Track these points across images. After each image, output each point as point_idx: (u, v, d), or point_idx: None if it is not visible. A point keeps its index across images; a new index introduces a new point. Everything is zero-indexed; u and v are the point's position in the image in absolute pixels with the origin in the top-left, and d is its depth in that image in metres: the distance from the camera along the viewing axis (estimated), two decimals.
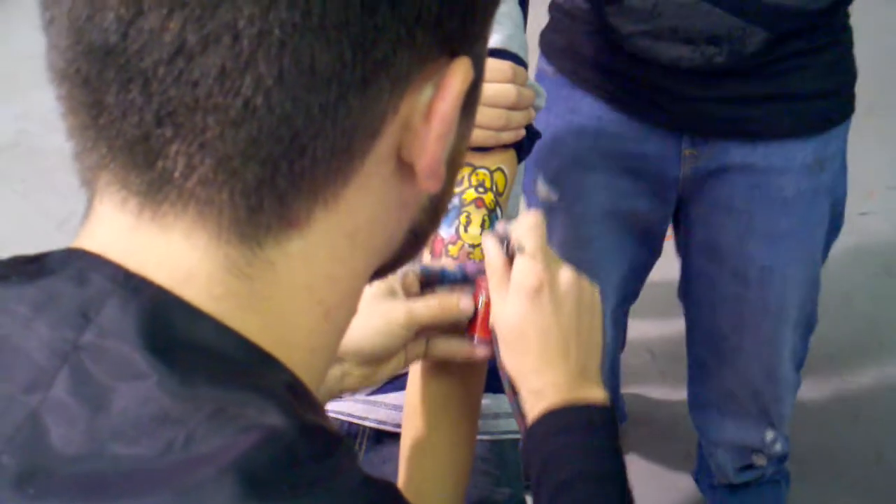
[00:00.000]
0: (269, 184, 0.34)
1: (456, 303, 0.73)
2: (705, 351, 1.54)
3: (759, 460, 1.63)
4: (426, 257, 0.84)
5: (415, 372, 0.79)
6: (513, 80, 0.83)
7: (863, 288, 2.32)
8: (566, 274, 0.70)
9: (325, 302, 0.39)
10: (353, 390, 0.74)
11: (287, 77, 0.32)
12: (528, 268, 0.68)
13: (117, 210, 0.36)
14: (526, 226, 0.71)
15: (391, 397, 0.99)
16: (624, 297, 1.62)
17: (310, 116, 0.34)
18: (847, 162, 1.35)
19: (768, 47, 1.17)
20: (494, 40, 0.86)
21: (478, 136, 0.83)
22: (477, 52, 0.39)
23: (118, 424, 0.32)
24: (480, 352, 0.73)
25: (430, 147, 0.38)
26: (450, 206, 0.84)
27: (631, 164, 1.33)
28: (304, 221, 0.36)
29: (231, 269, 0.35)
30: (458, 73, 0.37)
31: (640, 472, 1.88)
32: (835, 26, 1.24)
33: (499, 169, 0.85)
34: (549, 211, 1.46)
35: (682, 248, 1.48)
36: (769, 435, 1.57)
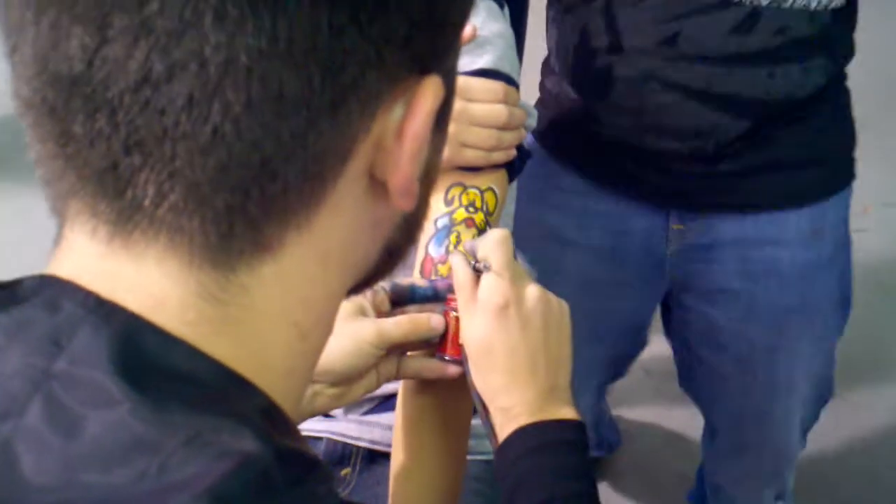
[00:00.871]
0: (240, 210, 0.34)
1: (426, 321, 0.72)
2: (717, 439, 1.49)
3: None
4: (416, 275, 0.84)
5: (403, 390, 0.79)
6: (504, 101, 0.83)
7: (858, 305, 2.30)
8: (533, 290, 0.70)
9: (300, 324, 0.38)
10: (326, 411, 0.74)
11: (255, 104, 0.32)
12: (494, 285, 0.68)
13: (88, 238, 0.35)
14: (492, 242, 0.71)
15: (385, 418, 0.99)
16: (601, 385, 1.58)
17: (280, 142, 0.33)
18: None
19: (754, 130, 1.12)
20: (486, 60, 0.86)
21: (469, 156, 0.83)
22: (447, 66, 0.39)
23: (90, 453, 0.32)
24: (451, 370, 0.73)
25: (402, 165, 0.37)
26: (440, 226, 0.84)
27: (616, 242, 1.27)
28: (276, 245, 0.36)
29: (203, 294, 0.35)
30: (429, 92, 0.37)
31: (635, 492, 1.87)
32: (824, 97, 1.15)
33: (490, 188, 0.85)
34: None
35: (677, 338, 1.41)
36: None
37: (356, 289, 0.45)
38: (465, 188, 0.84)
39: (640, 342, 1.49)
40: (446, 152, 0.82)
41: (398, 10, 0.34)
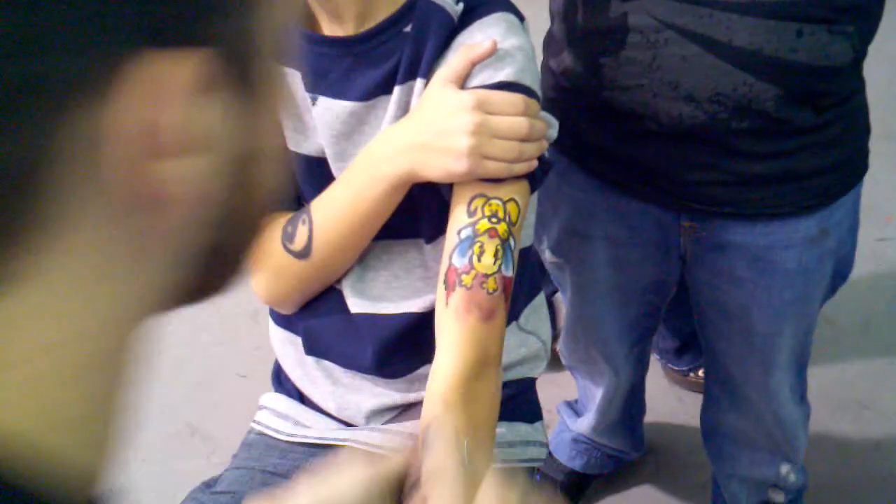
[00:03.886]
0: None
1: None
2: (718, 388, 1.53)
3: (776, 496, 1.59)
4: (440, 285, 0.85)
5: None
6: (525, 113, 0.84)
7: (881, 314, 2.31)
8: None
9: (59, 367, 0.32)
10: None
11: None
12: None
13: None
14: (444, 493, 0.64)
15: (407, 426, 1.00)
16: (640, 339, 1.60)
17: None
18: (863, 192, 1.30)
19: (776, 108, 1.08)
20: (506, 73, 0.87)
21: (491, 168, 0.84)
22: (211, 33, 0.32)
23: None
24: None
25: (166, 166, 0.31)
26: (464, 237, 0.85)
27: (630, 234, 1.31)
28: (11, 285, 0.30)
29: None
30: (174, 73, 0.30)
31: (658, 500, 1.87)
32: (844, 93, 1.14)
33: (512, 199, 0.86)
34: (558, 270, 1.47)
35: (693, 302, 1.45)
36: (784, 468, 1.55)
37: (190, 298, 0.39)
38: (487, 199, 0.85)
39: (667, 292, 1.50)
40: (466, 164, 0.84)
41: None
